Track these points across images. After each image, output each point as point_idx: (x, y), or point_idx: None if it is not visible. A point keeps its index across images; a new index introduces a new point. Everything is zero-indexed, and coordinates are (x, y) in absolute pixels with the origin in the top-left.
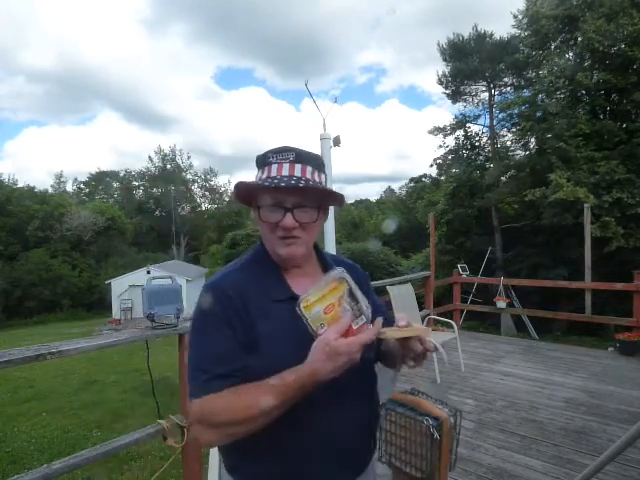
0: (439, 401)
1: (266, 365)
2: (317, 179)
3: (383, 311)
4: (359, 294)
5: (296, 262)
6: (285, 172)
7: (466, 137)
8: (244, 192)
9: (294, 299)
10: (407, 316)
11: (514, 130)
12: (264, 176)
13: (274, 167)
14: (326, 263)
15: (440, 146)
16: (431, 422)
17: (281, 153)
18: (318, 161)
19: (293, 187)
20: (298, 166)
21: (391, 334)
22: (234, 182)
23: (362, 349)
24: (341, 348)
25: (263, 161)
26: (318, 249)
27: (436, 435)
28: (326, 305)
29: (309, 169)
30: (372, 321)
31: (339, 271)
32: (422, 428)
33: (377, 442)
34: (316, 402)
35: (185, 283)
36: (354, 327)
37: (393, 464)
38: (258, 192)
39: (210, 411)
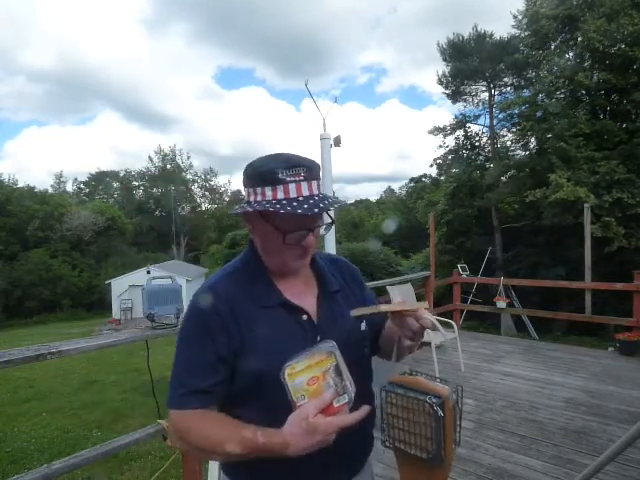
0: (438, 379)
1: (251, 374)
2: (322, 191)
3: (373, 302)
4: (345, 371)
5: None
6: (305, 192)
7: (466, 137)
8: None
9: (284, 305)
10: (404, 298)
11: (514, 130)
12: (281, 196)
13: (292, 187)
14: (316, 264)
15: (440, 146)
16: (434, 400)
17: (292, 169)
18: (319, 170)
19: (323, 211)
20: (314, 184)
21: (386, 308)
22: (234, 182)
23: (338, 431)
24: (319, 427)
25: (272, 178)
26: None
27: (440, 413)
28: (310, 377)
29: (315, 184)
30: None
31: (329, 345)
32: (425, 407)
33: (381, 426)
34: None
35: (185, 283)
36: (335, 405)
37: (398, 447)
38: (274, 213)
39: (185, 429)
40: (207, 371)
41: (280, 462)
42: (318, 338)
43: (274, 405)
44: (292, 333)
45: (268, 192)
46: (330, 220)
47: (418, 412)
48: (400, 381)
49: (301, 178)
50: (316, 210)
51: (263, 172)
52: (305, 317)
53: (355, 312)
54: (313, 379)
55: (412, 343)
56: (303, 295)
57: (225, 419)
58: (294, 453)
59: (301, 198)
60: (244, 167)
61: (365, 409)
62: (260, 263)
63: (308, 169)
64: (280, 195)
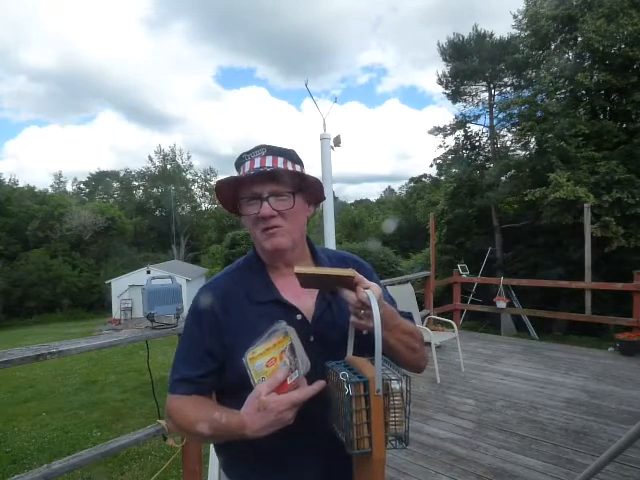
0: (393, 368)
1: (241, 368)
2: (290, 169)
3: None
4: (299, 349)
5: (284, 257)
6: (257, 165)
7: (466, 137)
8: (229, 198)
9: (277, 302)
10: (355, 272)
11: (514, 130)
12: (240, 174)
13: (247, 164)
14: (319, 261)
15: (440, 146)
16: (348, 377)
17: (253, 151)
18: (292, 154)
19: (263, 174)
20: (269, 158)
21: (300, 270)
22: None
23: (293, 408)
24: (270, 404)
25: (239, 162)
26: (312, 246)
27: (349, 391)
28: (268, 359)
29: (280, 159)
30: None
31: (283, 325)
32: (342, 385)
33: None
34: (306, 403)
35: (185, 283)
36: (288, 382)
37: (332, 427)
38: (238, 192)
39: (174, 411)
40: (195, 362)
41: (276, 461)
42: (311, 339)
43: None
44: None
45: (235, 174)
46: (289, 190)
47: (341, 390)
48: (350, 360)
49: (258, 156)
50: (252, 172)
51: (236, 160)
52: (299, 317)
53: (296, 268)
54: (271, 360)
55: (357, 320)
56: (301, 294)
57: (205, 402)
58: (252, 434)
59: (251, 170)
60: None
61: (320, 384)
62: (260, 261)
63: (269, 149)
64: (240, 173)
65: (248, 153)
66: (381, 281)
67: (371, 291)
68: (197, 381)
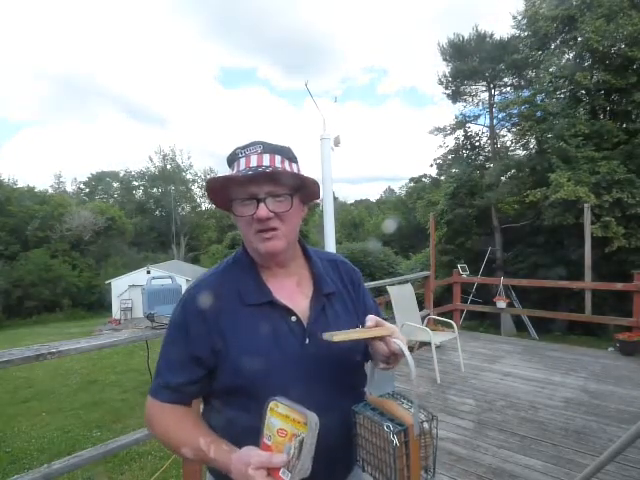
0: (414, 405)
1: (232, 373)
2: (287, 168)
3: (377, 312)
4: (307, 453)
5: (278, 259)
6: (253, 163)
7: (466, 137)
8: (220, 195)
9: (271, 304)
10: (378, 320)
11: (514, 130)
12: (234, 172)
13: (242, 161)
14: (312, 263)
15: (440, 146)
16: (392, 428)
17: (248, 147)
18: (288, 152)
19: (261, 174)
20: (266, 156)
21: (339, 338)
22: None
23: None
24: None
25: (232, 158)
26: (304, 247)
27: (396, 442)
28: (282, 428)
29: (278, 158)
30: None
31: (313, 417)
32: (384, 434)
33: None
34: (303, 403)
35: (185, 283)
36: (280, 474)
37: (366, 469)
38: (232, 191)
39: (151, 416)
40: (179, 369)
41: None
42: (307, 341)
43: (252, 405)
44: (278, 333)
45: (228, 172)
46: (287, 192)
47: (380, 437)
48: (373, 402)
49: (254, 153)
50: (250, 173)
51: (228, 156)
52: (294, 318)
53: (327, 335)
54: (283, 431)
55: (387, 366)
56: (295, 295)
57: (187, 420)
58: (235, 478)
59: (247, 168)
60: None
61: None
62: (250, 261)
63: (265, 146)
64: (234, 171)
65: (242, 149)
66: (381, 281)
67: (400, 341)
68: (180, 389)
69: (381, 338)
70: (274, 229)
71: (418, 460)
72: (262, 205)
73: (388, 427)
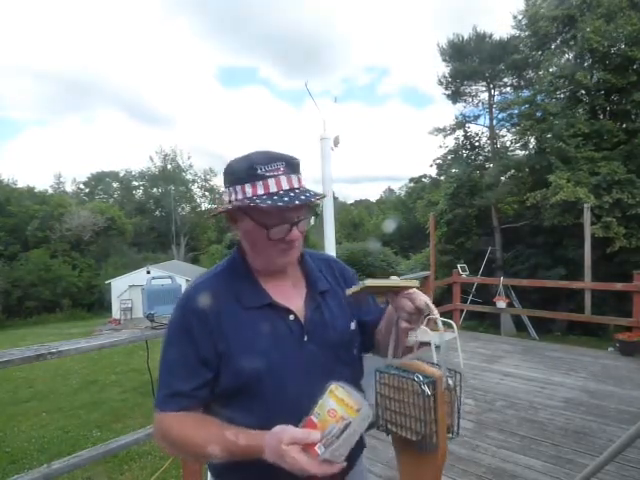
0: (437, 365)
1: (236, 375)
2: (304, 184)
3: (375, 305)
4: (348, 435)
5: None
6: (285, 186)
7: (466, 137)
8: (239, 212)
9: (270, 306)
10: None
11: (514, 130)
12: (261, 192)
13: (271, 182)
14: (305, 263)
15: (440, 146)
16: (422, 379)
17: (271, 164)
18: (299, 165)
19: (304, 202)
20: (294, 177)
21: (371, 282)
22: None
23: (302, 472)
24: (286, 457)
25: (252, 175)
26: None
27: (427, 392)
28: (335, 408)
29: (300, 177)
30: None
31: (368, 408)
32: (413, 386)
33: (375, 409)
34: (303, 397)
35: (185, 283)
36: (316, 449)
37: (390, 430)
38: (264, 213)
39: (167, 429)
40: (188, 374)
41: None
42: (305, 338)
43: (257, 407)
44: (278, 334)
45: (248, 189)
46: (314, 214)
47: (407, 392)
48: (396, 363)
49: (280, 172)
50: (297, 202)
51: (243, 169)
52: (292, 317)
53: (348, 291)
54: (333, 412)
55: (409, 325)
56: (290, 296)
57: (206, 420)
58: (268, 458)
59: (281, 192)
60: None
61: (336, 475)
62: (246, 264)
63: (287, 163)
64: (260, 191)
65: (263, 165)
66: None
67: (426, 296)
68: (191, 394)
69: (407, 290)
70: (297, 246)
71: (444, 415)
72: (295, 229)
73: (418, 377)
